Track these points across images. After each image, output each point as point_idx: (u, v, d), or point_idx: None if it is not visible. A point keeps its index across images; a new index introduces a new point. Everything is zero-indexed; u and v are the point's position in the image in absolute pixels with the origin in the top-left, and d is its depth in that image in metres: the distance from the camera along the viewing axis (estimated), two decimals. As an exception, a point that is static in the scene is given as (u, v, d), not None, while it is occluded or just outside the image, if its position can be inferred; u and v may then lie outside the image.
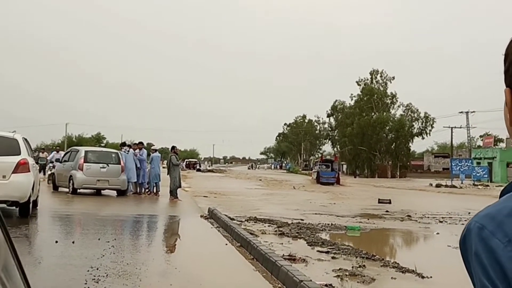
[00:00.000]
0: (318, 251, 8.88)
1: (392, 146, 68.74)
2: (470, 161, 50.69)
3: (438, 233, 12.56)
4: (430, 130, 68.13)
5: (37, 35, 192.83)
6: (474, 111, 67.21)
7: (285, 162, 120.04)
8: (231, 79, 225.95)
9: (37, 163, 14.14)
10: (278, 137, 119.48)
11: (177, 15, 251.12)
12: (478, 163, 55.53)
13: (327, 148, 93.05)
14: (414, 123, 68.80)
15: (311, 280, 5.84)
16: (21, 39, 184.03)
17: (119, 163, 19.28)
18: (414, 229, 13.45)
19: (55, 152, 29.99)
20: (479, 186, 41.27)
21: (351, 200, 23.57)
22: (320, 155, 65.04)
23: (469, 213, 16.62)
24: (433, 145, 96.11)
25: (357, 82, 71.31)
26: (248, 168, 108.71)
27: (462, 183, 43.53)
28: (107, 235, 9.80)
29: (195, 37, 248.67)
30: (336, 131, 76.82)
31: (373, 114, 68.03)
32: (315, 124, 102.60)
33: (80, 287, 5.88)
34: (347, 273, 7.06)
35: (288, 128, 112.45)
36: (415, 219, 15.35)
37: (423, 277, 7.11)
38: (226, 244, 9.55)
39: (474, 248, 0.80)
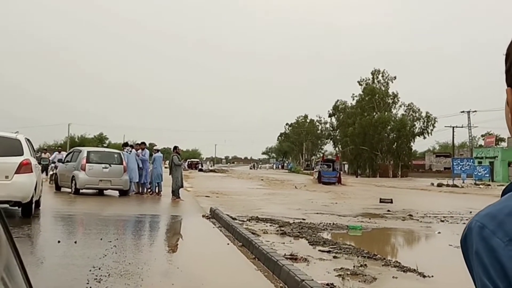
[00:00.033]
0: (319, 250, 8.88)
1: (394, 146, 68.71)
2: (471, 160, 50.62)
3: (439, 233, 12.55)
4: (432, 130, 68.19)
5: (37, 35, 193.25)
6: (475, 111, 67.18)
7: (286, 162, 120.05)
8: (231, 79, 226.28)
9: (39, 163, 14.17)
10: (279, 137, 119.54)
11: (177, 15, 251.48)
12: (480, 163, 55.49)
13: (328, 148, 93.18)
14: (415, 123, 68.80)
15: (312, 280, 5.85)
16: (21, 39, 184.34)
17: (121, 163, 19.31)
18: (415, 228, 13.44)
19: (57, 152, 30.00)
20: (481, 186, 41.24)
21: (352, 199, 23.56)
22: (321, 155, 65.06)
23: (471, 212, 16.60)
24: (434, 144, 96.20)
25: (358, 82, 71.35)
26: (250, 168, 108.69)
27: (463, 182, 43.46)
28: (109, 235, 9.81)
29: (195, 37, 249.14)
30: (337, 131, 76.77)
31: (374, 113, 68.01)
32: (317, 124, 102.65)
33: (82, 287, 5.89)
34: (349, 273, 7.06)
35: (289, 128, 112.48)
36: (416, 219, 15.34)
37: (424, 276, 7.11)
38: (228, 244, 9.56)
39: (475, 247, 0.80)
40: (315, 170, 51.74)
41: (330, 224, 12.94)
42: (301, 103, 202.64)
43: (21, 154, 11.48)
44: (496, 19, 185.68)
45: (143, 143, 21.80)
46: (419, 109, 68.85)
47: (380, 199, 21.51)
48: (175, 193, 18.62)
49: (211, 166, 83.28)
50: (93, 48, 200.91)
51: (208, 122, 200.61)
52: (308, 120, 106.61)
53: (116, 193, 19.35)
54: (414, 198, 25.84)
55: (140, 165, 20.05)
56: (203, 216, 13.74)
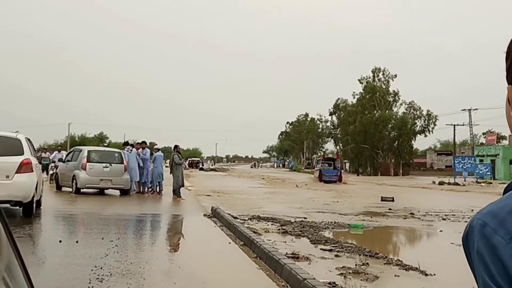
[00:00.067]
0: (321, 249, 8.88)
1: (395, 144, 68.67)
2: (473, 158, 50.64)
3: (441, 231, 12.55)
4: (433, 128, 68.12)
5: (37, 35, 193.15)
6: (476, 109, 67.20)
7: (287, 160, 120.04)
8: (231, 79, 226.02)
9: (40, 163, 14.18)
10: (280, 136, 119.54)
11: (177, 15, 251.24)
12: (481, 161, 55.49)
13: (329, 146, 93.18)
14: (416, 121, 68.73)
15: (314, 278, 5.85)
16: (21, 39, 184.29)
17: (122, 163, 19.32)
18: (417, 226, 13.44)
19: (56, 152, 30.01)
20: (482, 184, 41.21)
21: (354, 198, 23.55)
22: (322, 154, 65.04)
23: (472, 210, 16.59)
24: (435, 142, 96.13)
25: (359, 80, 71.29)
26: (251, 167, 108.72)
27: (465, 180, 43.45)
28: (111, 235, 9.82)
29: (195, 37, 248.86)
30: (338, 129, 76.71)
31: (375, 112, 67.97)
32: (318, 122, 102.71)
33: (84, 287, 5.89)
34: (351, 271, 7.06)
35: (290, 126, 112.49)
36: (418, 217, 15.33)
37: (426, 274, 7.11)
38: (229, 243, 9.56)
39: (476, 245, 0.79)
40: (316, 168, 51.79)
41: (331, 222, 12.94)
42: (301, 103, 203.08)
43: (22, 153, 11.49)
44: (496, 19, 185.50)
45: (144, 142, 21.79)
46: (420, 107, 68.86)
47: (382, 197, 21.50)
48: (176, 192, 18.63)
49: (212, 165, 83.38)
50: (93, 48, 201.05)
51: (208, 121, 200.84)
52: (309, 119, 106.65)
53: (117, 192, 19.36)
54: (415, 196, 25.82)
55: (141, 164, 20.05)
56: (204, 215, 13.74)
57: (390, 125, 67.71)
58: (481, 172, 49.22)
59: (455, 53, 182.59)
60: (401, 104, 70.14)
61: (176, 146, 20.00)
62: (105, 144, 76.60)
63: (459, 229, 11.39)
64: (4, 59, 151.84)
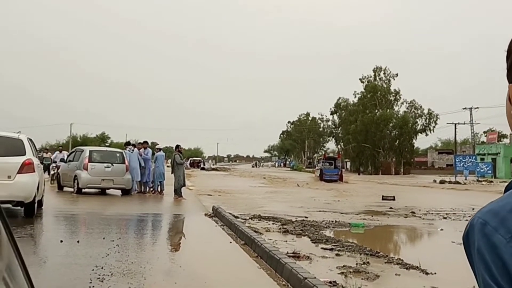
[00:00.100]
0: (322, 248, 8.88)
1: (396, 143, 68.68)
2: (474, 157, 50.55)
3: (442, 230, 12.54)
4: (434, 127, 68.13)
5: (37, 35, 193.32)
6: (477, 107, 67.25)
7: (289, 160, 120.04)
8: (231, 79, 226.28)
9: (42, 163, 14.19)
10: (281, 135, 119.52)
11: (177, 15, 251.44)
12: (482, 159, 55.45)
13: (330, 145, 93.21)
14: (417, 120, 68.74)
15: (315, 277, 5.85)
16: (21, 39, 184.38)
17: (124, 163, 19.32)
18: (418, 225, 13.43)
19: (57, 152, 30.06)
20: (483, 182, 41.18)
21: (355, 197, 23.54)
22: (323, 153, 65.02)
23: (473, 209, 16.57)
24: (436, 141, 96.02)
25: (360, 79, 71.29)
26: (252, 166, 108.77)
27: (466, 179, 43.41)
28: (112, 234, 9.83)
29: (195, 37, 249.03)
30: (339, 129, 76.71)
31: (376, 111, 67.96)
32: (319, 121, 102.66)
33: (85, 286, 5.89)
34: (351, 270, 7.06)
35: (291, 126, 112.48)
36: (419, 216, 15.32)
37: (427, 273, 7.10)
38: (231, 242, 9.57)
39: (476, 244, 0.79)
40: (317, 168, 51.75)
41: (332, 221, 12.94)
42: (302, 103, 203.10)
43: (23, 154, 11.50)
44: (496, 19, 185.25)
45: (145, 142, 21.79)
46: (421, 106, 68.88)
47: (383, 196, 21.50)
48: (178, 192, 18.64)
49: (213, 165, 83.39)
50: (93, 48, 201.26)
51: (209, 121, 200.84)
52: (310, 118, 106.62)
53: (119, 192, 19.36)
54: (416, 195, 25.81)
55: (142, 164, 20.06)
56: (205, 214, 13.75)
57: (391, 124, 67.68)
58: (482, 170, 49.18)
59: (456, 52, 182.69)
60: (402, 103, 70.26)
61: (177, 146, 20.01)
62: (106, 144, 76.68)
63: (460, 228, 11.36)
64: (4, 59, 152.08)
